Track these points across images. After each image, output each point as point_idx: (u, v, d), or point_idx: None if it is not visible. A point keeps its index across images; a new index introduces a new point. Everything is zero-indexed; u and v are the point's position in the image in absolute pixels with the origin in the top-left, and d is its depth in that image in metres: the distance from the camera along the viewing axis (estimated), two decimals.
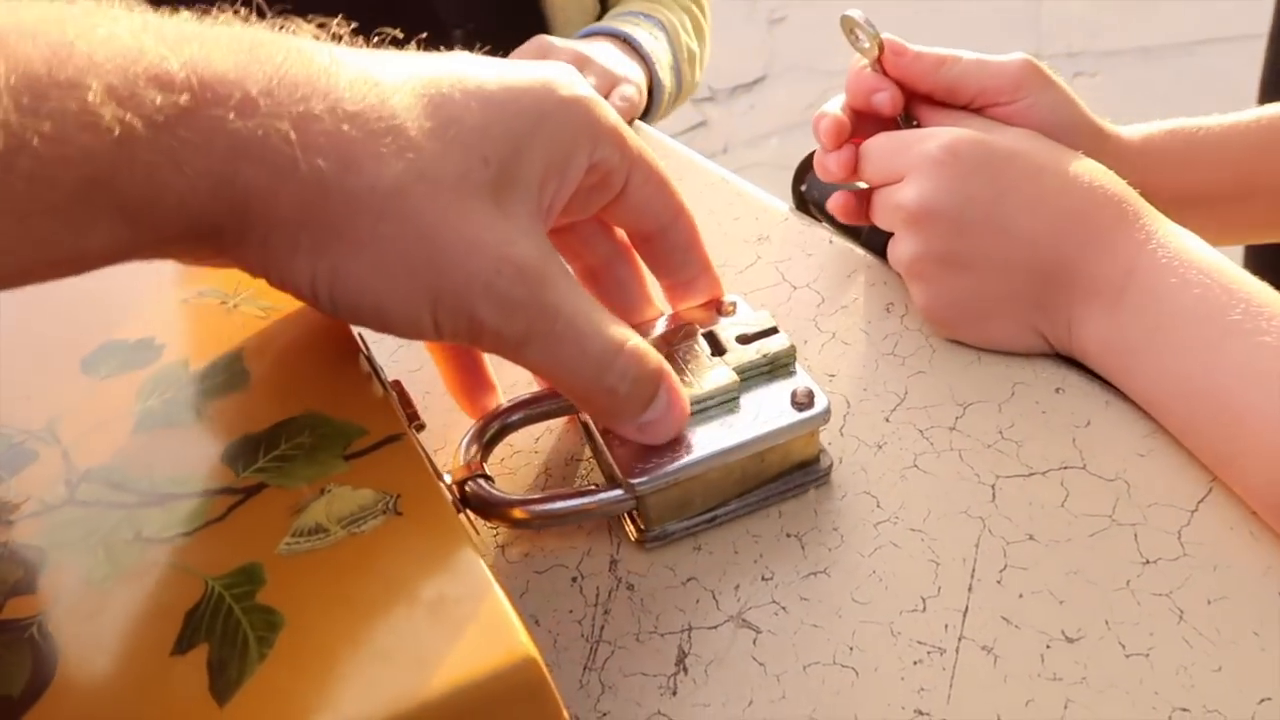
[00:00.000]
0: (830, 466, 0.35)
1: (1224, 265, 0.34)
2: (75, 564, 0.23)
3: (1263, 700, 0.28)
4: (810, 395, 0.33)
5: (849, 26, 0.41)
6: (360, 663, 0.21)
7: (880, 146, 0.41)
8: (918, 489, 0.35)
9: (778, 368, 0.34)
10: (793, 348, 0.34)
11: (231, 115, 0.22)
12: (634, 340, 0.29)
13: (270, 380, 0.29)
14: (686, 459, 0.31)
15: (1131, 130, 0.44)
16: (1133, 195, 0.37)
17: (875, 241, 0.44)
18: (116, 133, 0.20)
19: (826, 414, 0.33)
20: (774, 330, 0.34)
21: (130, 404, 0.28)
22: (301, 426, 0.27)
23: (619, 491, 0.32)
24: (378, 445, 0.26)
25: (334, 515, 0.24)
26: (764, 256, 0.46)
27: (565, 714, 0.23)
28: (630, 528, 0.34)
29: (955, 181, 0.37)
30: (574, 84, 0.29)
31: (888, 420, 0.37)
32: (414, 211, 0.24)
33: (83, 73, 0.20)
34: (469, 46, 0.66)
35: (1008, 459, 0.35)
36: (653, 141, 0.57)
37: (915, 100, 0.42)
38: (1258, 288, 0.34)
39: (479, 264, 0.25)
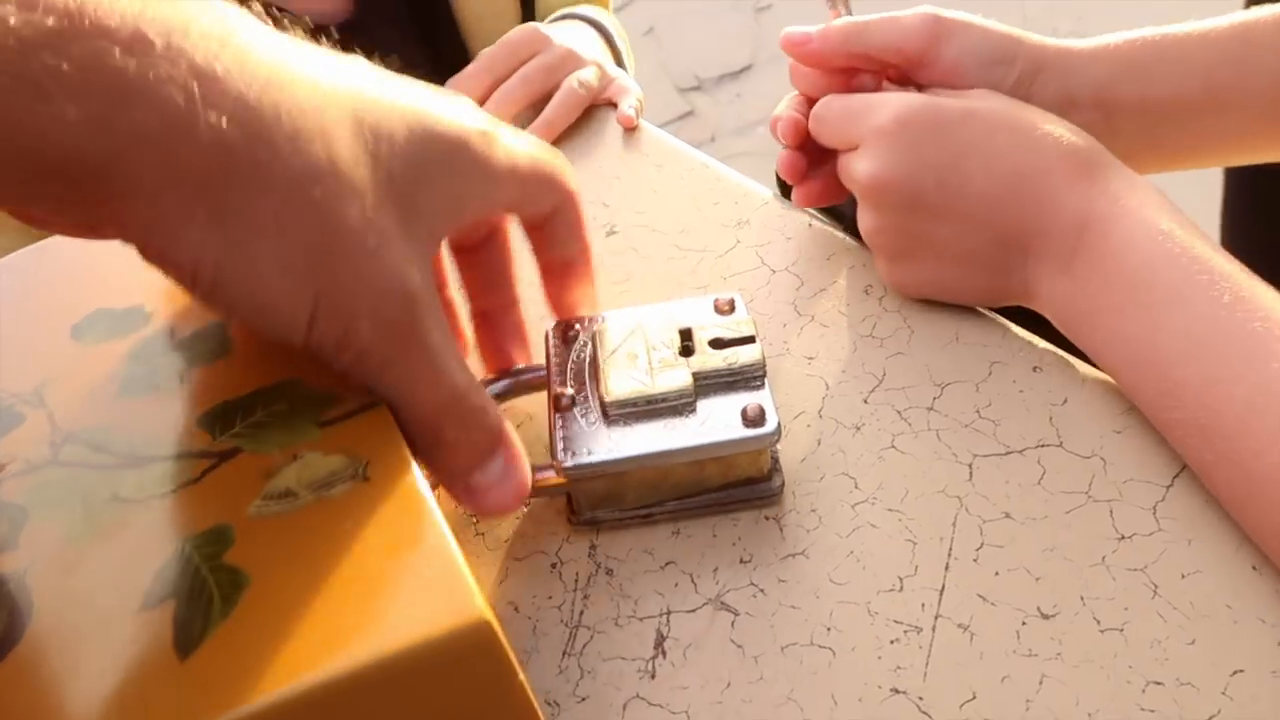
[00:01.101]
0: (781, 487, 0.34)
1: (1176, 226, 0.33)
2: (55, 522, 0.24)
3: (1235, 673, 0.28)
4: (762, 413, 0.32)
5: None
6: (318, 621, 0.21)
7: (832, 112, 0.41)
8: (896, 469, 0.35)
9: (744, 379, 0.33)
10: (762, 362, 0.33)
11: (117, 50, 0.19)
12: (479, 398, 0.28)
13: (251, 348, 0.29)
14: (619, 454, 0.31)
15: (1086, 40, 0.42)
16: (1092, 149, 0.36)
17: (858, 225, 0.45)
18: None
19: (775, 435, 0.31)
20: (750, 339, 0.33)
21: (116, 369, 0.29)
22: (279, 393, 0.27)
23: (550, 472, 0.32)
24: (352, 413, 0.27)
25: (304, 480, 0.25)
26: (744, 241, 0.46)
27: (520, 675, 0.23)
28: (567, 507, 0.34)
29: (906, 153, 0.37)
30: (485, 140, 0.28)
31: (866, 402, 0.37)
32: (322, 205, 0.23)
33: None
34: (386, 57, 0.65)
35: (985, 438, 0.35)
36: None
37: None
38: (1205, 253, 0.32)
39: (373, 277, 0.25)
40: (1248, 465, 0.29)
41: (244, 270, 0.23)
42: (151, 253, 0.23)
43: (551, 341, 0.35)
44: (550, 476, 0.32)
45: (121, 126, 0.20)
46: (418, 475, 0.25)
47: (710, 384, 0.33)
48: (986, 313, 0.40)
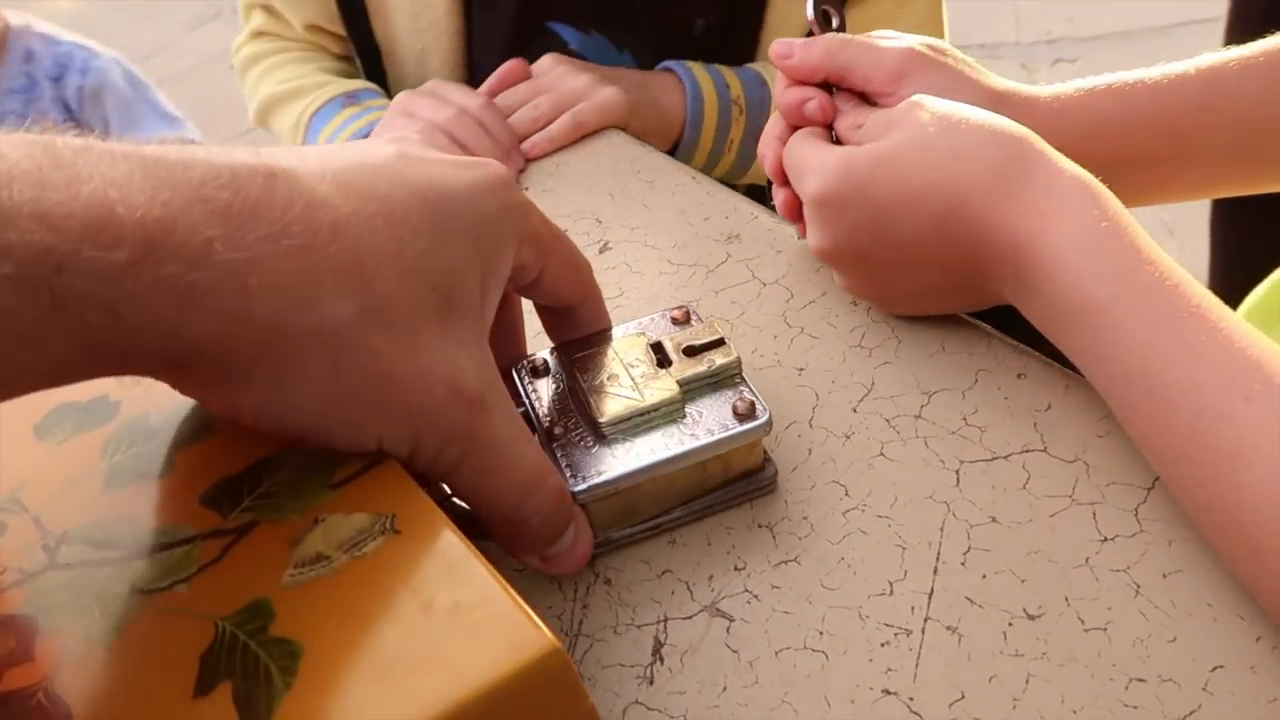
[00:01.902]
0: (775, 475, 0.35)
1: (1107, 234, 0.32)
2: (70, 626, 0.23)
3: (1215, 669, 0.29)
4: (752, 406, 0.33)
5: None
6: (389, 676, 0.21)
7: (789, 162, 0.42)
8: (885, 476, 0.35)
9: (724, 379, 0.34)
10: (738, 360, 0.34)
11: (184, 269, 0.22)
12: (554, 477, 0.30)
13: (238, 423, 0.28)
14: (628, 468, 0.32)
15: (1052, 91, 0.42)
16: (1010, 159, 0.35)
17: None
18: (46, 299, 0.20)
19: (767, 425, 0.33)
20: (721, 342, 0.35)
21: (95, 463, 0.28)
22: (280, 463, 0.27)
23: None
24: (362, 470, 0.26)
25: (333, 542, 0.24)
26: (734, 255, 0.47)
27: (589, 696, 0.23)
28: None
29: (836, 222, 0.38)
30: (498, 190, 0.30)
31: (855, 411, 0.38)
32: (372, 347, 0.25)
33: (17, 230, 0.19)
34: (709, 38, 0.66)
35: (971, 444, 0.36)
36: (627, 145, 0.58)
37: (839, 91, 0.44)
38: (1139, 261, 0.32)
39: (429, 396, 0.26)
40: (1193, 492, 0.30)
41: (307, 415, 0.25)
42: (213, 408, 0.25)
43: (523, 379, 0.36)
44: None
45: (188, 333, 0.22)
46: (444, 519, 0.25)
47: (694, 389, 0.34)
48: (972, 321, 0.41)
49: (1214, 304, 0.31)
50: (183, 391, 0.25)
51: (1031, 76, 2.25)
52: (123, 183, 0.21)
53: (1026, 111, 0.41)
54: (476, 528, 0.31)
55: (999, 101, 0.41)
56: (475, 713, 0.21)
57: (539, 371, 0.36)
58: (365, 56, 0.74)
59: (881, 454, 0.36)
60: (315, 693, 0.21)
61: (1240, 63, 0.41)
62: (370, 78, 0.75)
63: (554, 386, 0.35)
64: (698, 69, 0.68)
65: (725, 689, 0.30)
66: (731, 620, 0.32)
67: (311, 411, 0.25)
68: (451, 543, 0.24)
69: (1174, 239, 1.65)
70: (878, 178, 0.37)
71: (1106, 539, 0.32)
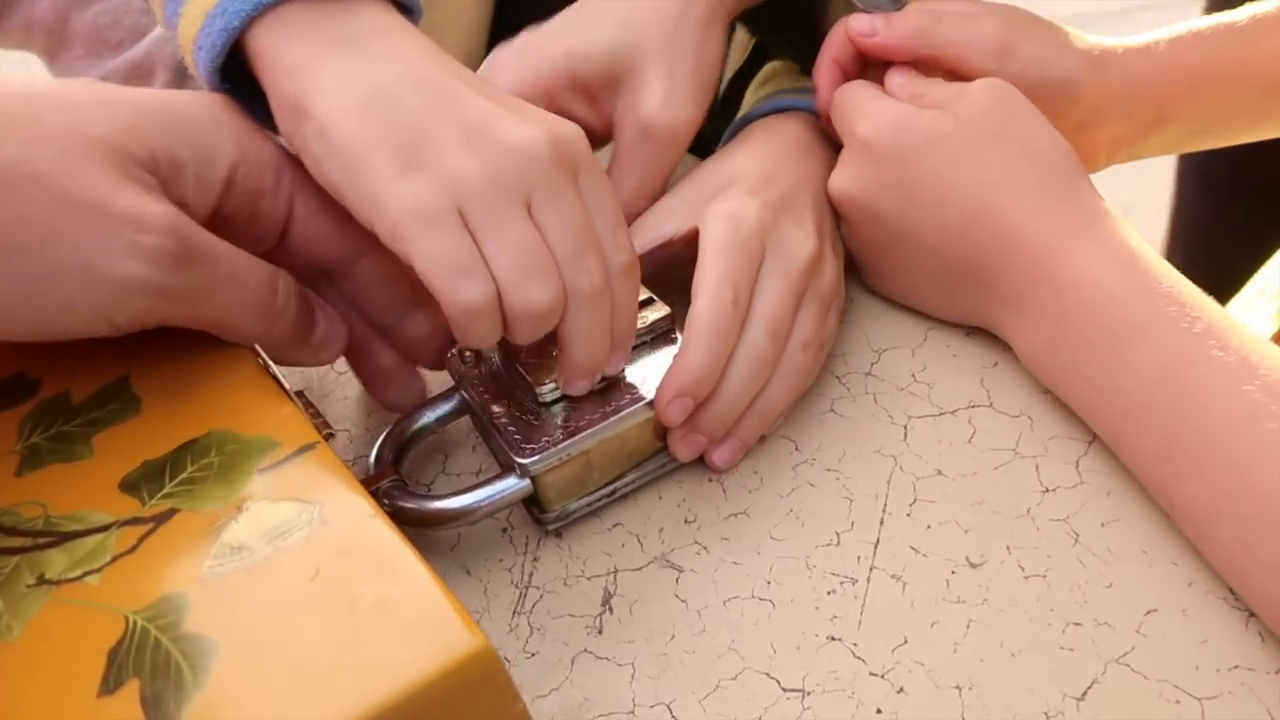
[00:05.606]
0: None
1: (1139, 257, 0.33)
2: None
3: (1149, 612, 0.29)
4: None
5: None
6: (308, 676, 0.20)
7: (842, 100, 0.40)
8: (834, 431, 0.36)
9: (659, 335, 0.34)
10: (670, 314, 0.34)
11: None
12: (280, 272, 0.29)
13: (165, 403, 0.27)
14: (577, 434, 0.32)
15: (1137, 41, 0.40)
16: (1056, 178, 0.35)
17: None
18: None
19: None
20: (651, 300, 0.35)
21: (10, 444, 0.27)
22: (207, 446, 0.26)
23: (513, 478, 0.32)
24: (292, 456, 0.25)
25: (256, 532, 0.23)
26: None
27: (520, 698, 0.23)
28: (530, 516, 0.34)
29: (868, 170, 0.37)
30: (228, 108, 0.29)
31: None
32: (31, 180, 0.23)
33: None
34: None
35: (919, 400, 0.36)
36: None
37: None
38: (1171, 284, 0.32)
39: (115, 224, 0.24)
40: (1219, 484, 0.29)
41: (6, 289, 0.24)
42: None
43: (457, 361, 0.35)
44: (512, 485, 0.32)
45: None
46: (376, 510, 0.24)
47: (633, 348, 0.34)
48: None
49: (1231, 319, 0.31)
50: None
51: None
52: None
53: (1118, 68, 0.39)
54: (420, 516, 0.31)
55: (1099, 68, 0.39)
56: (399, 716, 0.20)
57: (467, 358, 0.35)
58: None
59: (831, 410, 0.37)
60: (228, 693, 0.20)
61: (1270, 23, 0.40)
62: None
63: (486, 366, 0.35)
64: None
65: (673, 637, 0.31)
66: (681, 571, 0.32)
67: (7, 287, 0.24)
68: (382, 535, 0.23)
69: (1128, 218, 1.67)
70: (925, 153, 0.36)
71: (1048, 490, 0.33)
